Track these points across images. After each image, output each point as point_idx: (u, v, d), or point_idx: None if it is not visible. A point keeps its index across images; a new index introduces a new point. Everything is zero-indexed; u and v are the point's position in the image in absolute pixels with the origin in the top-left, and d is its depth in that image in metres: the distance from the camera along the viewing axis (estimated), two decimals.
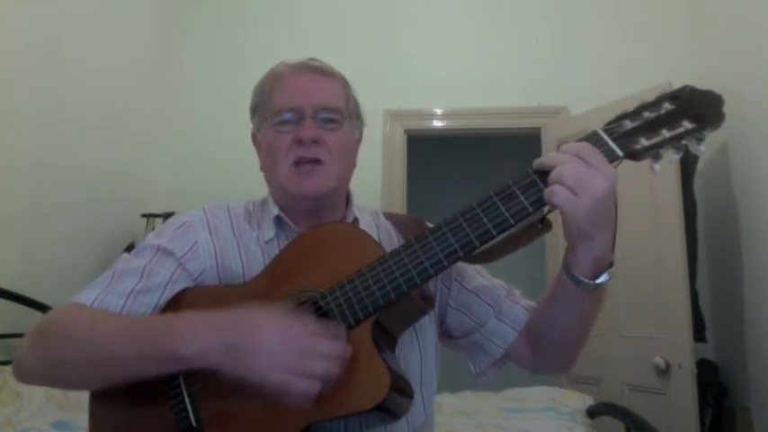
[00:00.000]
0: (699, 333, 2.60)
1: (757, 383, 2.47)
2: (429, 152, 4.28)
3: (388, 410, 0.78)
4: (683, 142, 0.76)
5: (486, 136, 3.65)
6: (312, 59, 1.03)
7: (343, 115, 0.99)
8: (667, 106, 0.77)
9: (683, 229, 2.47)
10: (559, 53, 3.32)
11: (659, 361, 2.42)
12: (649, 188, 2.53)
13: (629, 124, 0.78)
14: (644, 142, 0.77)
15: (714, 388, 2.64)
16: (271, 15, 3.56)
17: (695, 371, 2.37)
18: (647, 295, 2.56)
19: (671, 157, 0.78)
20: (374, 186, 3.21)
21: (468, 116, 3.37)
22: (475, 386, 1.14)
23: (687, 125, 0.76)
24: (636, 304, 2.60)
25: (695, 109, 0.76)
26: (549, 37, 3.36)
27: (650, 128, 0.77)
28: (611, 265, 0.80)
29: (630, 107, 0.79)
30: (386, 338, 0.84)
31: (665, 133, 0.77)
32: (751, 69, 2.53)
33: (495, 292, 1.00)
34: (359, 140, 1.06)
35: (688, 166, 2.63)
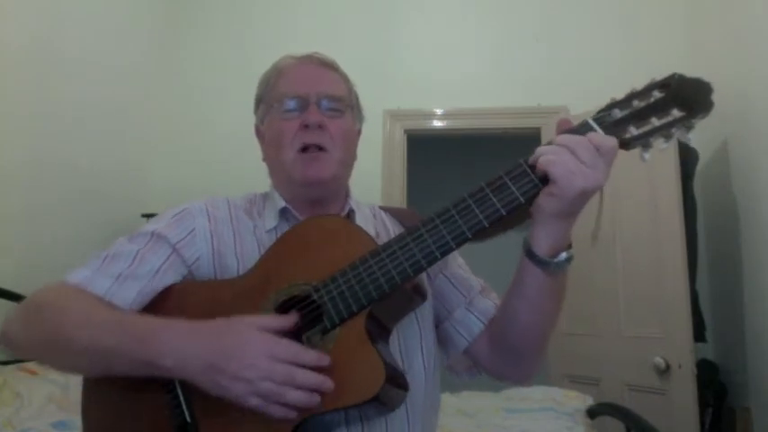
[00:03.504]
0: (699, 333, 2.60)
1: (757, 383, 2.47)
2: (429, 152, 4.28)
3: (383, 402, 0.79)
4: (672, 130, 0.76)
5: (486, 136, 3.65)
6: (315, 53, 1.05)
7: (346, 104, 1.01)
8: (656, 94, 0.77)
9: (683, 229, 2.47)
10: (559, 53, 3.32)
11: (659, 361, 2.42)
12: (649, 188, 2.53)
13: (618, 113, 0.78)
14: (633, 131, 0.77)
15: (714, 388, 2.65)
16: (270, 15, 3.56)
17: (695, 371, 2.37)
18: (647, 295, 2.56)
19: (660, 146, 0.78)
20: (374, 186, 3.21)
21: (468, 116, 3.37)
22: (475, 386, 1.14)
23: (676, 113, 0.76)
24: (636, 304, 2.60)
25: (684, 97, 0.76)
26: (548, 36, 3.36)
27: (640, 116, 0.77)
28: (569, 246, 0.82)
29: (620, 95, 0.79)
30: (379, 330, 0.85)
31: (655, 122, 0.77)
32: (751, 69, 2.53)
33: (470, 284, 1.01)
34: (359, 133, 1.08)
35: (688, 165, 2.63)
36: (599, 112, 0.79)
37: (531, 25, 3.40)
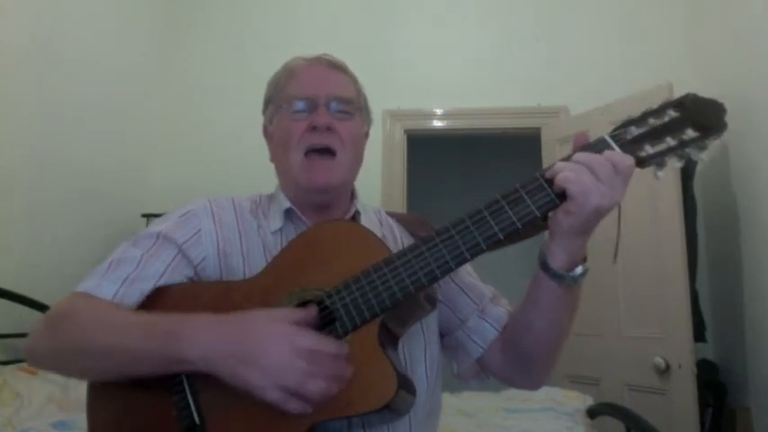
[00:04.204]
0: (699, 333, 2.60)
1: (757, 383, 2.47)
2: (429, 152, 4.28)
3: (392, 410, 0.78)
4: (687, 150, 0.77)
5: (486, 136, 3.65)
6: (325, 54, 1.05)
7: (355, 107, 1.01)
8: (671, 113, 0.78)
9: (683, 229, 2.47)
10: (559, 53, 3.32)
11: (659, 361, 2.42)
12: (649, 188, 2.53)
13: (634, 131, 0.79)
14: (649, 150, 0.78)
15: (714, 388, 2.64)
16: (270, 15, 3.56)
17: (695, 371, 2.37)
18: (647, 295, 2.56)
19: (674, 165, 0.78)
20: (374, 186, 3.21)
21: (468, 116, 3.37)
22: (475, 386, 1.13)
23: (691, 134, 0.76)
24: (636, 304, 2.60)
25: (699, 117, 0.76)
26: (548, 36, 3.36)
27: (655, 135, 0.78)
28: (584, 259, 0.83)
29: (636, 113, 0.80)
30: (389, 337, 0.85)
31: (670, 141, 0.77)
32: (751, 69, 2.53)
33: (481, 292, 1.02)
34: (366, 136, 1.08)
35: (688, 166, 2.63)
36: (616, 128, 0.80)
37: (531, 25, 3.40)
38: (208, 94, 3.48)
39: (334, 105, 0.98)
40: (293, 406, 0.73)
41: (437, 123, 3.44)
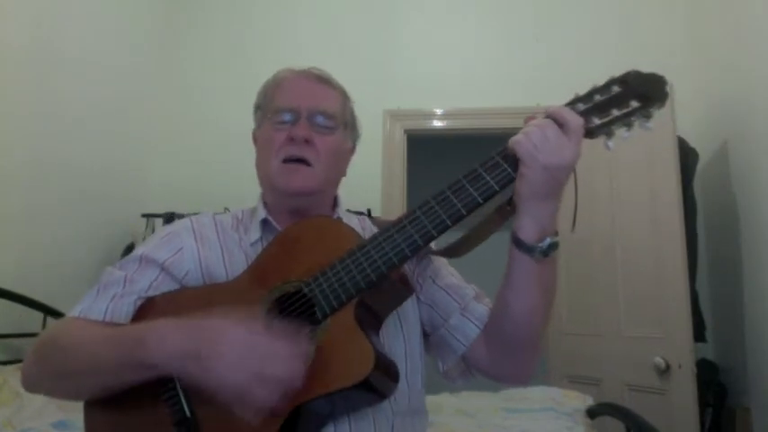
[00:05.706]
0: (699, 333, 2.60)
1: (757, 383, 2.47)
2: (429, 152, 4.28)
3: (373, 389, 0.80)
4: (632, 119, 0.84)
5: (486, 136, 3.63)
6: (314, 68, 1.07)
7: (337, 122, 1.04)
8: (616, 89, 0.85)
9: (683, 229, 2.47)
10: (559, 53, 3.32)
11: (659, 361, 2.42)
12: (649, 188, 2.53)
13: (581, 106, 0.86)
14: (596, 121, 0.85)
15: (714, 388, 2.65)
16: (270, 15, 3.56)
17: (695, 371, 2.37)
18: (647, 295, 2.56)
19: (622, 135, 0.85)
20: (374, 186, 3.21)
21: (468, 116, 3.37)
22: (474, 386, 1.14)
23: (634, 104, 0.83)
24: (636, 304, 2.60)
25: (641, 90, 0.83)
26: (548, 36, 3.36)
27: (601, 109, 0.85)
28: (555, 233, 0.86)
29: (582, 92, 0.87)
30: (370, 321, 0.87)
31: (615, 112, 0.84)
32: (751, 69, 2.53)
33: (463, 292, 1.02)
34: (351, 151, 1.10)
35: (688, 166, 2.63)
36: (565, 105, 0.87)
37: (531, 25, 3.40)
38: (208, 94, 3.48)
39: (316, 119, 1.01)
40: (258, 392, 0.74)
41: (437, 123, 3.44)
